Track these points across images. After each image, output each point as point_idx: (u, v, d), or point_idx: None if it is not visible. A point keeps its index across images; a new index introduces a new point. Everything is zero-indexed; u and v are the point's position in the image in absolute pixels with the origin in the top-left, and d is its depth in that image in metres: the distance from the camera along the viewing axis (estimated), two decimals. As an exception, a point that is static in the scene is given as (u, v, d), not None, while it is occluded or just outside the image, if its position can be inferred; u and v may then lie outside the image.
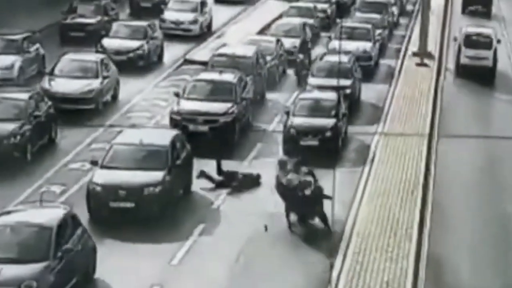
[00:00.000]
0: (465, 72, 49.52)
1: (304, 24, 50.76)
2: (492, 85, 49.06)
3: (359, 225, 27.67)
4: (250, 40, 45.77)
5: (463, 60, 49.66)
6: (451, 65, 51.48)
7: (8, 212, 23.61)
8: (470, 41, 50.07)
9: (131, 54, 43.39)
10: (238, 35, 50.36)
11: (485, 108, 43.96)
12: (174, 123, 34.00)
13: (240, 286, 23.75)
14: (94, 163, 28.43)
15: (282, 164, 28.07)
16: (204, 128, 34.00)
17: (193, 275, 24.28)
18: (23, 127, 31.08)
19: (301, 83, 41.07)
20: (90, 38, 45.54)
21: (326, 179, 28.04)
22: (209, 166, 31.05)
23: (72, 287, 22.13)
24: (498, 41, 51.64)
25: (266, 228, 25.16)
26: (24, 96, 32.75)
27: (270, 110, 39.68)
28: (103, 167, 27.90)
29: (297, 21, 51.36)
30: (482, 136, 37.30)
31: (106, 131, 33.87)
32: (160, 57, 46.18)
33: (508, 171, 34.46)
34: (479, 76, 48.89)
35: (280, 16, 55.26)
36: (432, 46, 53.17)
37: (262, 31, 52.01)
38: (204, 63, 42.36)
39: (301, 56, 43.84)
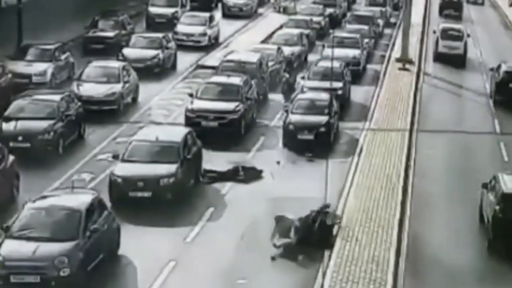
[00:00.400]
0: (441, 59, 53.76)
1: (301, 34, 50.69)
2: (464, 69, 53.01)
3: (349, 208, 27.62)
4: (254, 48, 45.77)
5: (440, 49, 53.94)
6: (429, 69, 51.53)
7: (44, 197, 23.56)
8: (446, 34, 54.55)
9: (148, 62, 43.09)
10: (244, 43, 50.28)
11: (457, 107, 43.88)
12: (188, 120, 33.94)
13: (243, 259, 23.63)
14: (115, 157, 28.31)
15: (279, 220, 25.29)
16: (214, 123, 33.94)
17: (205, 251, 24.28)
18: (56, 125, 30.96)
19: (287, 100, 38.95)
20: (108, 49, 45.21)
21: (320, 169, 28.05)
22: (217, 159, 31.17)
23: (99, 262, 22.12)
24: (468, 35, 55.72)
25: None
26: (57, 97, 32.64)
27: (271, 108, 39.58)
28: (123, 160, 27.76)
29: (295, 31, 51.29)
30: (454, 131, 37.27)
31: (128, 128, 33.85)
32: (174, 64, 45.90)
33: (477, 160, 34.48)
34: (453, 62, 53.05)
35: (280, 27, 55.23)
36: (413, 53, 53.13)
37: (265, 40, 51.94)
38: (214, 68, 42.28)
39: (287, 75, 42.19)
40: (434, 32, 56.76)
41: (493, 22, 74.63)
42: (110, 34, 47.47)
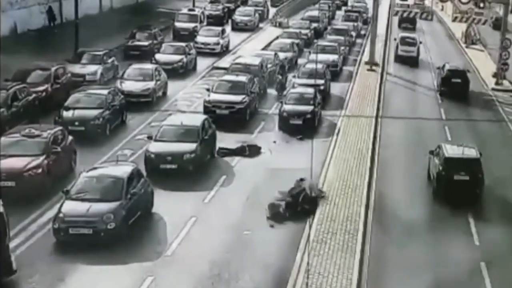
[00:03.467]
0: (400, 60, 53.19)
1: (293, 43, 50.43)
2: (416, 67, 52.30)
3: (329, 175, 27.54)
4: (257, 54, 45.53)
5: (399, 53, 53.63)
6: (390, 70, 51.28)
7: (95, 168, 23.54)
8: (403, 41, 54.20)
9: (174, 65, 42.94)
10: (249, 50, 50.04)
11: (412, 99, 43.71)
12: (206, 108, 33.74)
13: (248, 215, 23.58)
14: (149, 137, 28.23)
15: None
16: (226, 112, 33.66)
17: (218, 209, 24.21)
18: (104, 113, 30.82)
19: (280, 95, 38.81)
20: (144, 55, 45.07)
21: (307, 146, 27.94)
22: (228, 138, 30.99)
23: (137, 218, 22.11)
24: (420, 42, 55.06)
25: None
26: (105, 91, 32.52)
27: (270, 100, 39.32)
28: (155, 140, 27.64)
29: (288, 41, 51.01)
30: (410, 117, 37.10)
31: (159, 115, 33.61)
32: (194, 66, 45.74)
33: (428, 140, 34.31)
34: (409, 62, 52.45)
35: (276, 38, 54.91)
36: (378, 57, 52.87)
37: (264, 48, 51.63)
38: (226, 69, 42.06)
39: (279, 76, 41.57)
40: (395, 39, 56.66)
41: (440, 33, 74.23)
42: (145, 43, 47.37)
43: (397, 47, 54.40)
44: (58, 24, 52.31)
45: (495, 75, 48.74)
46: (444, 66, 45.19)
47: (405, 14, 61.65)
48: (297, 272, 19.78)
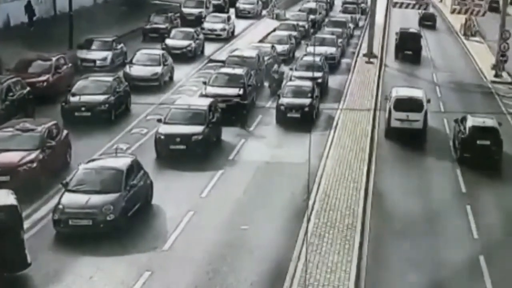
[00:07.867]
0: (395, 134, 33.12)
1: (290, 35, 50.79)
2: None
3: (327, 169, 27.96)
4: (253, 46, 45.89)
5: (394, 124, 33.04)
6: (389, 62, 51.60)
7: (93, 160, 24.04)
8: (400, 105, 32.99)
9: (183, 50, 45.40)
10: (245, 43, 50.41)
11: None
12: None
13: (244, 209, 24.00)
14: (159, 120, 29.44)
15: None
16: (223, 105, 33.77)
17: (216, 203, 24.52)
18: (109, 99, 31.99)
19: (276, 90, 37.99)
20: (161, 37, 47.97)
21: (305, 140, 28.30)
22: (225, 132, 31.46)
23: (136, 209, 22.57)
24: (428, 101, 34.20)
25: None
26: (110, 78, 33.77)
27: (267, 93, 39.72)
28: (165, 123, 28.95)
29: (285, 33, 51.39)
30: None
31: (157, 107, 34.06)
32: (202, 51, 48.01)
33: (427, 133, 34.64)
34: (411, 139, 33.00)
35: (274, 30, 55.28)
36: (376, 49, 53.23)
37: (262, 40, 51.96)
38: (222, 62, 42.39)
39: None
40: (386, 98, 35.73)
41: (441, 27, 74.42)
42: (162, 26, 50.89)
43: (389, 113, 33.25)
44: (52, 17, 52.66)
45: (494, 67, 49.16)
46: (464, 119, 31.40)
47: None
48: (295, 265, 20.04)
